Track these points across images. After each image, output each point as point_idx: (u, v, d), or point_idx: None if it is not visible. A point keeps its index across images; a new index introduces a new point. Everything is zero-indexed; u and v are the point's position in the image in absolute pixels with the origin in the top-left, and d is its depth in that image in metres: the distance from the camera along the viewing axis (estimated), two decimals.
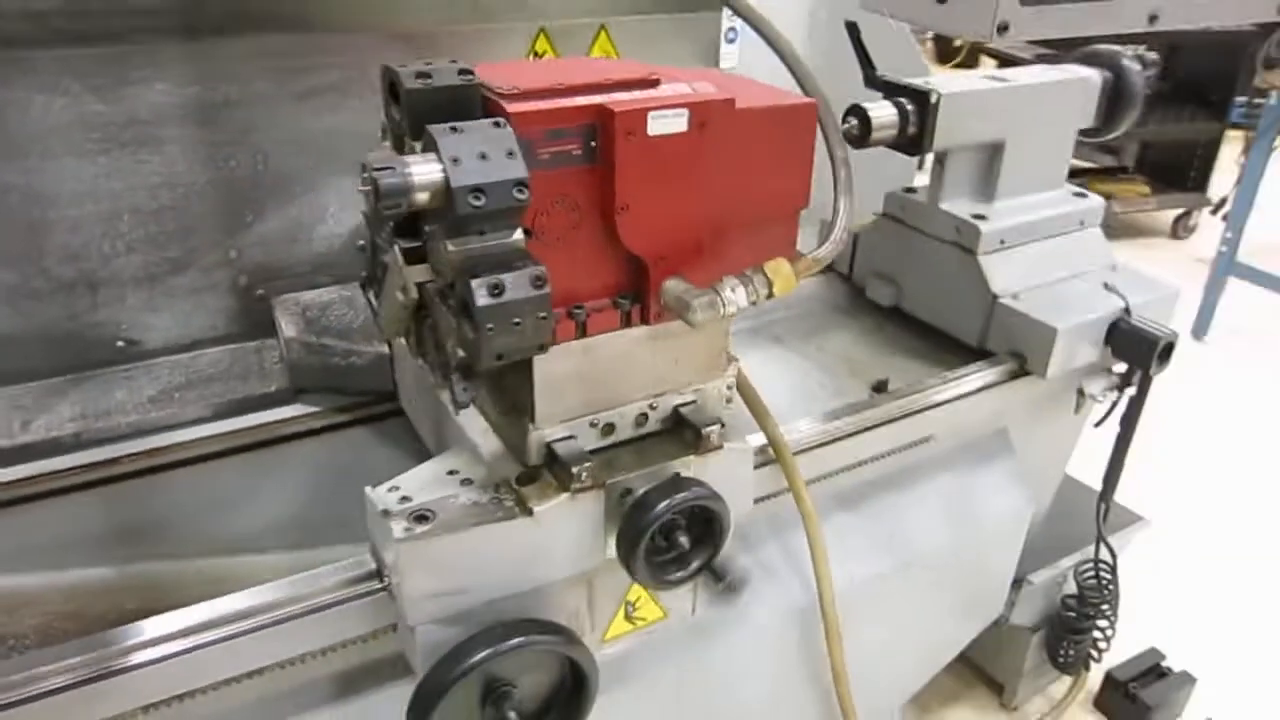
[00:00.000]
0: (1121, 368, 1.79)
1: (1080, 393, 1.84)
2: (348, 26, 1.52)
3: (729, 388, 1.22)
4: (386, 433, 1.55)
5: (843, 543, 1.51)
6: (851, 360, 1.78)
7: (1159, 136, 5.46)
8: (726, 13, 1.84)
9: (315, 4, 1.49)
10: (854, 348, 1.83)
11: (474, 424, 1.23)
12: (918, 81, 1.63)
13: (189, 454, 1.44)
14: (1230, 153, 5.43)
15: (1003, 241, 1.74)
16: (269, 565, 1.23)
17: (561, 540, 1.13)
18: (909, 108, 1.60)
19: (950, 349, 1.76)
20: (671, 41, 1.79)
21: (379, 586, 1.14)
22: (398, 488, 1.13)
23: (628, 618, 1.32)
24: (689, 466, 1.16)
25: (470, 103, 0.96)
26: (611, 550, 1.15)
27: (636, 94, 1.00)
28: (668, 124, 0.97)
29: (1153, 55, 1.88)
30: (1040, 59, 5.17)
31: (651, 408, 1.16)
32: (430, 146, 0.88)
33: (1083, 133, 1.85)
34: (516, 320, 0.90)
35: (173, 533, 1.35)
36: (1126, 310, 1.69)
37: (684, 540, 1.13)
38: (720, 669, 1.50)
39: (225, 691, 1.12)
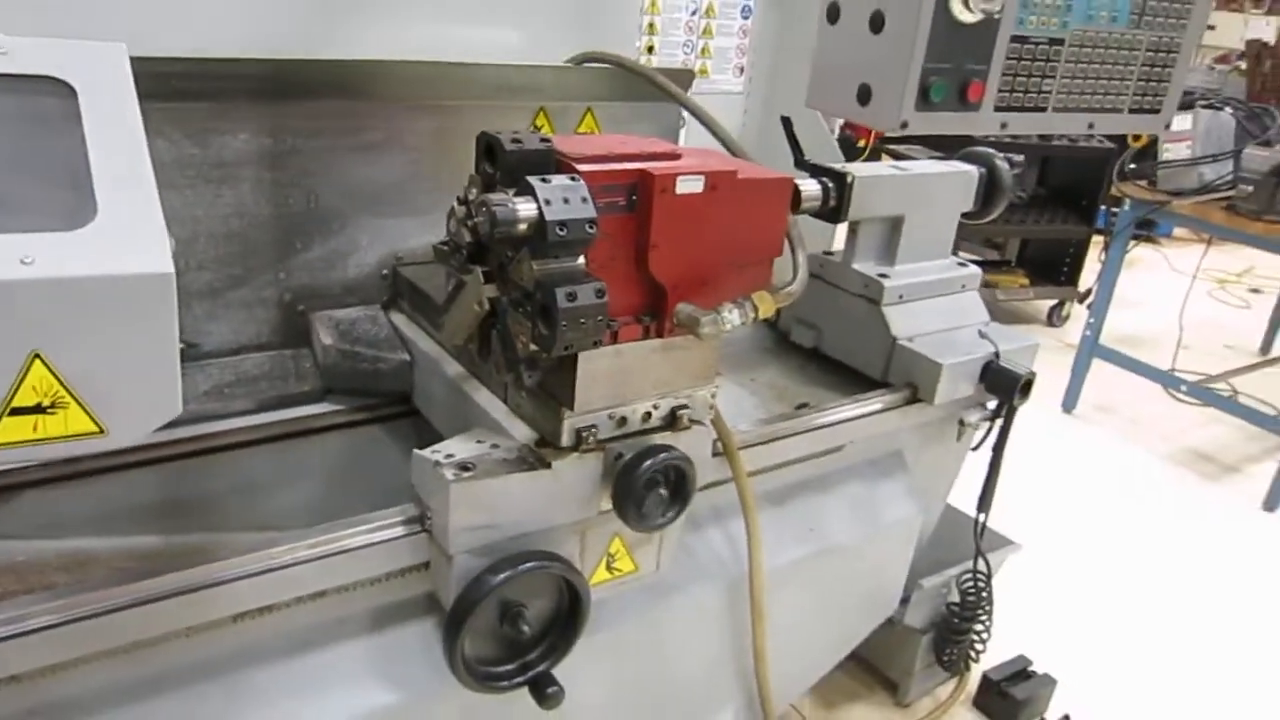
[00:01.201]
0: (992, 403, 2.17)
1: (961, 423, 2.21)
2: (390, 98, 1.83)
3: (713, 395, 1.55)
4: (399, 429, 1.84)
5: (768, 533, 1.82)
6: (778, 388, 2.12)
7: (1036, 235, 6.13)
8: None
9: (367, 78, 1.80)
10: (781, 379, 2.17)
11: (495, 409, 1.56)
12: (837, 165, 1.94)
13: (234, 440, 1.69)
14: (1098, 253, 6.14)
15: (901, 296, 2.08)
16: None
17: (569, 490, 1.44)
18: (830, 185, 1.85)
19: (859, 382, 2.10)
20: (642, 123, 2.15)
21: (419, 529, 1.42)
22: (439, 450, 1.42)
23: (608, 568, 1.61)
24: (665, 439, 1.49)
25: (548, 163, 1.28)
26: (605, 504, 1.46)
27: (666, 163, 1.34)
28: (690, 185, 1.32)
29: (1018, 158, 2.29)
30: (931, 159, 5.82)
31: (655, 407, 1.48)
32: (527, 191, 1.20)
33: (964, 215, 2.21)
34: (583, 320, 1.21)
35: (218, 507, 1.60)
36: (996, 354, 2.04)
37: (664, 492, 1.45)
38: (665, 631, 1.80)
39: (285, 614, 1.37)
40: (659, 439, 1.49)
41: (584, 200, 1.22)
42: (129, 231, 1.03)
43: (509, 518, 1.41)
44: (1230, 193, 4.14)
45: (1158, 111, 1.74)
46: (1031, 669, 2.73)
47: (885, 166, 2.11)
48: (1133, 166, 4.69)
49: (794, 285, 1.48)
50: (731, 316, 1.37)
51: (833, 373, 2.17)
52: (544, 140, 1.29)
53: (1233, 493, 4.31)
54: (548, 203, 1.19)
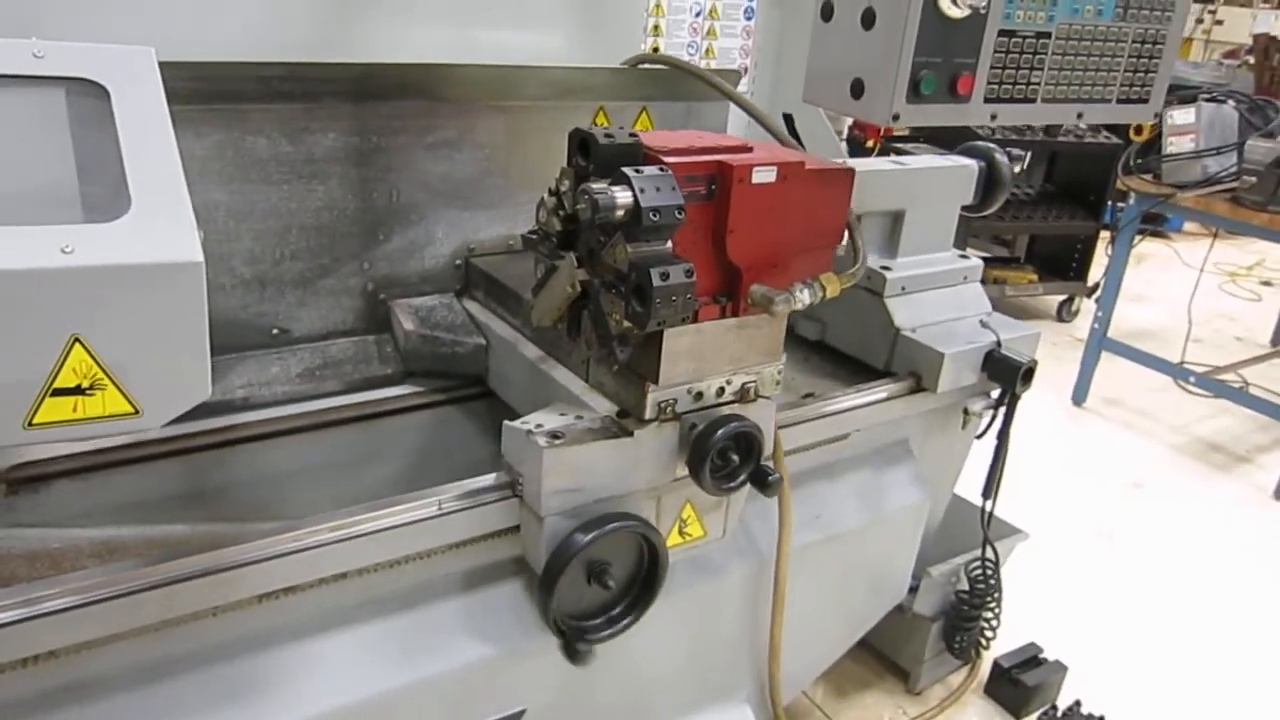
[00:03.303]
0: (995, 391, 2.22)
1: (965, 411, 2.26)
2: (463, 99, 1.96)
3: (779, 372, 1.67)
4: (475, 409, 1.98)
5: (773, 519, 1.89)
6: (786, 380, 2.09)
7: (1044, 231, 6.24)
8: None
9: (442, 82, 1.93)
10: (787, 371, 2.14)
11: (575, 385, 1.69)
12: (839, 161, 2.00)
13: (324, 420, 1.82)
14: (1106, 246, 6.27)
15: (904, 288, 2.13)
16: None
17: (649, 457, 1.56)
18: None
19: (863, 372, 2.16)
20: (693, 121, 2.28)
21: (510, 495, 1.54)
22: (528, 422, 1.55)
23: (680, 533, 1.74)
24: (735, 411, 1.61)
25: (637, 155, 1.41)
26: (681, 471, 1.59)
27: (742, 155, 1.47)
28: (764, 176, 1.44)
29: (1017, 152, 2.40)
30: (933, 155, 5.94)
31: (728, 383, 1.61)
32: (622, 181, 1.33)
33: (965, 208, 2.26)
34: (674, 298, 1.34)
35: (309, 483, 1.74)
36: (998, 343, 2.10)
37: (734, 457, 1.58)
38: (692, 607, 1.88)
39: (387, 574, 1.49)
40: (729, 410, 1.61)
41: (673, 189, 1.34)
42: (161, 223, 1.10)
43: (595, 482, 1.54)
44: (1234, 184, 4.26)
45: (1146, 101, 1.84)
46: (1042, 656, 2.80)
47: (885, 161, 2.18)
48: (1138, 161, 4.82)
49: (857, 267, 1.61)
50: (803, 296, 1.50)
51: (838, 364, 2.22)
52: (632, 135, 1.42)
53: (1243, 483, 4.42)
54: (642, 191, 1.31)
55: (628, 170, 1.33)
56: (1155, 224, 7.54)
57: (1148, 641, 3.19)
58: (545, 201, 1.52)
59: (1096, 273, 6.23)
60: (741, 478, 1.62)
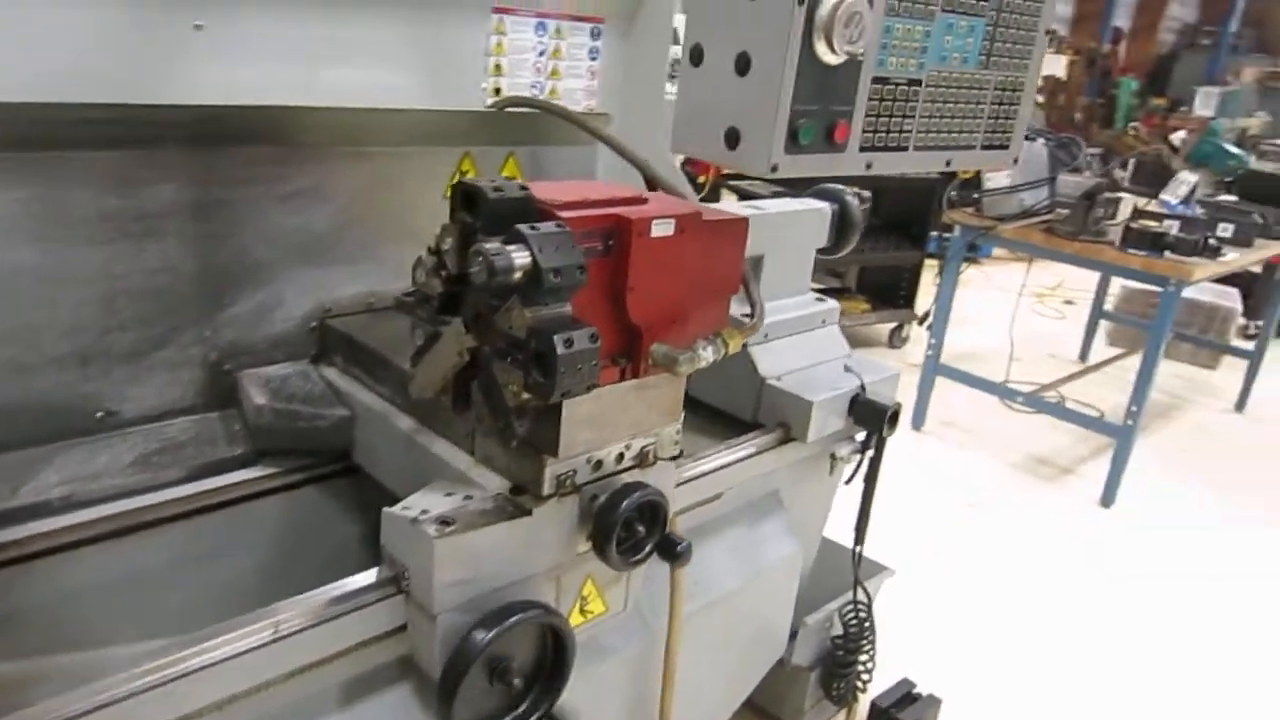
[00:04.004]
0: (861, 434, 2.20)
1: (832, 457, 2.24)
2: (320, 145, 1.79)
3: (677, 432, 1.59)
4: (339, 488, 1.78)
5: (650, 590, 1.78)
6: None
7: (873, 262, 6.53)
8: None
9: (296, 126, 1.75)
10: None
11: (458, 460, 1.54)
12: (732, 210, 2.01)
13: (164, 514, 1.58)
14: (931, 276, 6.60)
15: (766, 335, 2.07)
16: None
17: (549, 536, 1.44)
18: None
19: (731, 425, 2.08)
20: (561, 167, 2.19)
21: (395, 591, 1.38)
22: (410, 507, 1.40)
23: (581, 611, 1.62)
24: (634, 477, 1.51)
25: (529, 210, 1.29)
26: (582, 546, 1.47)
27: (638, 208, 1.38)
28: (662, 229, 1.36)
29: (866, 193, 2.38)
30: (775, 195, 6.09)
31: (627, 448, 1.50)
32: (518, 239, 1.21)
33: (819, 251, 2.26)
34: (579, 366, 1.23)
35: (153, 588, 1.50)
36: (862, 387, 2.07)
37: (640, 528, 1.47)
38: (600, 683, 1.75)
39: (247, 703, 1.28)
40: (629, 477, 1.51)
41: (573, 246, 1.24)
42: None
43: (492, 569, 1.40)
44: (1048, 216, 4.57)
45: (1006, 147, 1.88)
46: (916, 691, 2.79)
47: (742, 207, 2.16)
48: (958, 195, 5.10)
49: (757, 319, 1.55)
50: (706, 353, 1.42)
51: (703, 417, 2.12)
52: (523, 188, 1.30)
53: (1070, 493, 4.71)
54: (540, 250, 1.20)
55: (523, 228, 1.22)
56: (971, 251, 8.03)
57: (1009, 658, 3.30)
58: (424, 261, 1.38)
59: (922, 299, 6.56)
60: (648, 549, 1.52)
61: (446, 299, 1.37)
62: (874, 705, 2.74)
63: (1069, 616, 3.61)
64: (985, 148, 1.81)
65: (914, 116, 1.67)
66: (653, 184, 1.72)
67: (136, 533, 1.54)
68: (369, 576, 1.39)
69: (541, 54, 2.54)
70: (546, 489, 1.42)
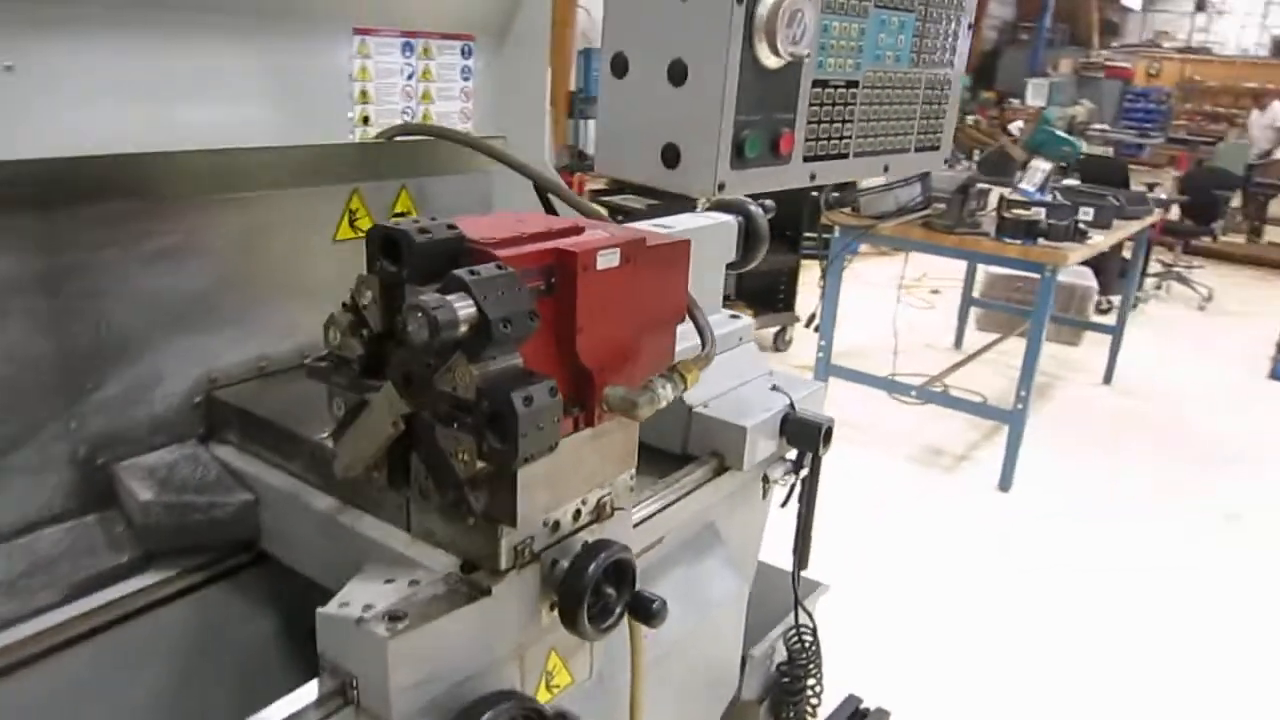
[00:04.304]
0: (793, 453, 2.05)
1: (765, 480, 2.09)
2: (187, 194, 1.56)
3: (631, 478, 1.44)
4: (247, 584, 1.56)
5: (607, 647, 1.60)
6: None
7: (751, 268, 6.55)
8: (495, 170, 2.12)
9: (157, 174, 1.52)
10: None
11: (394, 539, 1.35)
12: (670, 231, 1.96)
13: (40, 648, 1.33)
14: (807, 277, 6.67)
15: None
16: None
17: (511, 613, 1.28)
18: None
19: (661, 460, 1.91)
20: (457, 197, 2.02)
21: (341, 703, 1.19)
22: (348, 603, 1.21)
23: (548, 688, 1.45)
24: (594, 534, 1.37)
25: (460, 252, 1.13)
26: (545, 617, 1.31)
27: (577, 239, 1.23)
28: (608, 259, 1.22)
29: (769, 202, 2.32)
30: (651, 209, 6.01)
31: (584, 503, 1.35)
32: (457, 287, 1.04)
33: (728, 265, 2.16)
34: (541, 425, 1.07)
35: None
36: (792, 405, 1.95)
37: (609, 591, 1.33)
38: None
39: None
40: (587, 534, 1.36)
41: (520, 289, 1.08)
42: None
43: (453, 662, 1.23)
44: (925, 211, 4.66)
45: (937, 148, 1.81)
46: (864, 707, 2.70)
47: (649, 226, 1.98)
48: (835, 195, 5.16)
49: (709, 348, 1.42)
50: (665, 392, 1.29)
51: None
52: (450, 227, 1.14)
53: (971, 480, 4.81)
54: (485, 298, 1.04)
55: (462, 274, 1.05)
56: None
57: (943, 660, 3.29)
58: (337, 319, 1.20)
59: (801, 300, 6.63)
60: (618, 612, 1.37)
61: (369, 361, 1.19)
62: None
63: (992, 609, 3.65)
64: (918, 149, 1.74)
65: (853, 121, 1.57)
66: (582, 209, 1.58)
67: (7, 676, 1.29)
68: (309, 692, 1.19)
69: (410, 76, 2.36)
70: (504, 562, 1.25)
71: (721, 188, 1.36)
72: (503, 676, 1.32)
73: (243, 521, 1.53)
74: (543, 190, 1.67)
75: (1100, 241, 4.49)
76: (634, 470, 1.44)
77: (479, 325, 1.04)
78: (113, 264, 1.48)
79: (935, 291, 8.29)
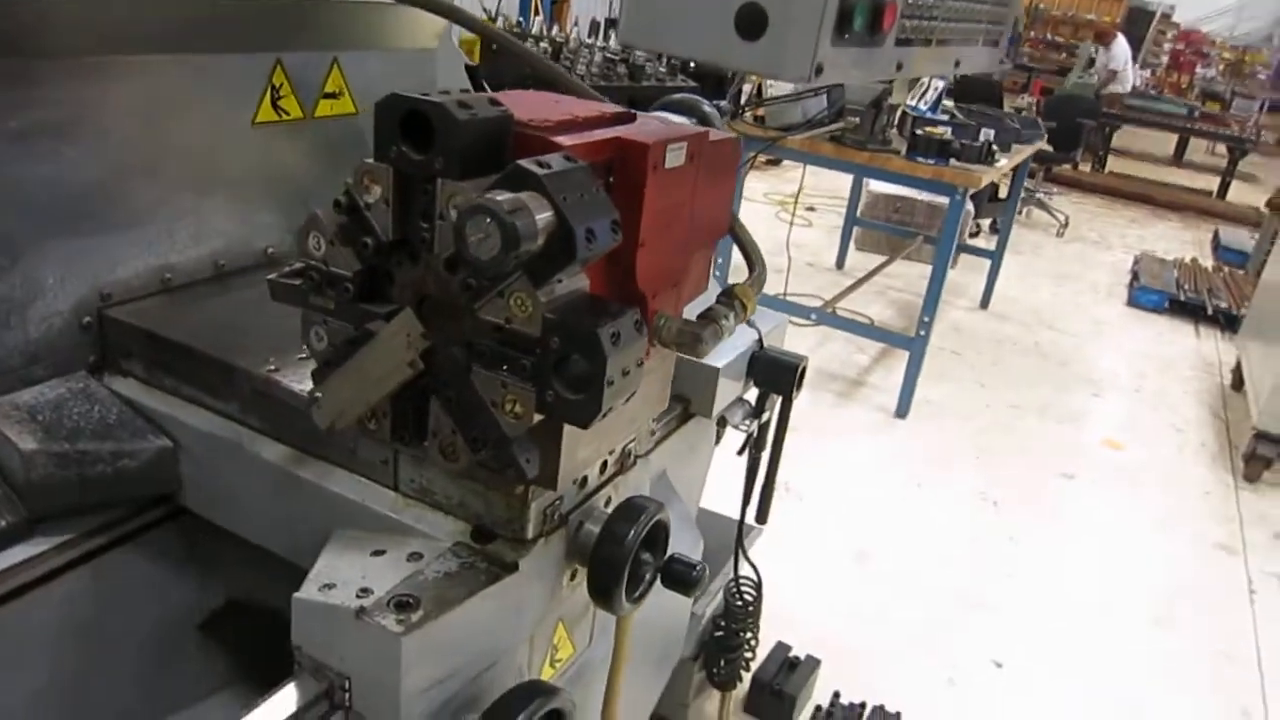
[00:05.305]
0: (753, 394, 1.78)
1: (720, 424, 1.82)
2: (70, 51, 1.18)
3: (654, 421, 1.22)
4: (159, 544, 1.25)
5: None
6: None
7: None
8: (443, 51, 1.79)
9: (24, 26, 1.13)
10: None
11: (376, 499, 1.08)
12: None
13: None
14: None
15: None
16: None
17: (535, 590, 1.06)
18: None
19: None
20: (402, 78, 1.68)
21: (328, 710, 0.94)
22: (336, 584, 0.95)
23: (552, 663, 1.24)
24: (618, 489, 1.16)
25: (506, 138, 0.85)
26: (564, 588, 1.10)
27: (635, 127, 0.97)
28: (676, 156, 0.97)
29: (725, 104, 2.07)
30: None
31: (611, 453, 1.12)
32: (527, 185, 0.77)
33: None
34: (626, 370, 0.83)
35: None
36: (760, 342, 1.68)
37: (646, 557, 1.11)
38: None
39: None
40: (610, 489, 1.14)
41: (598, 192, 0.82)
42: None
43: (472, 654, 0.98)
44: (837, 125, 4.50)
45: (997, 44, 1.57)
46: (794, 655, 2.62)
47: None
48: (739, 107, 4.93)
49: (759, 269, 1.19)
50: (729, 323, 1.06)
51: None
52: (494, 103, 0.85)
53: (867, 406, 4.77)
54: (564, 200, 0.77)
55: (528, 165, 0.78)
56: None
57: (853, 593, 3.23)
58: (320, 223, 0.90)
59: None
60: (647, 579, 1.15)
61: (371, 279, 0.90)
62: (755, 680, 2.52)
63: (898, 535, 3.63)
64: (985, 44, 1.52)
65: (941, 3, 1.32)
66: (579, 92, 1.30)
67: None
68: (287, 700, 0.93)
69: None
70: (533, 529, 1.01)
71: (819, 71, 1.09)
72: (514, 660, 1.09)
73: (158, 474, 1.21)
74: (536, 78, 1.36)
75: (1006, 165, 4.47)
76: (660, 411, 1.22)
77: (558, 236, 0.77)
78: None
79: (811, 209, 8.25)
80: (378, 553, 1.02)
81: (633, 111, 1.02)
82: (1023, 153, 4.87)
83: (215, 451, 1.19)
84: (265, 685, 0.93)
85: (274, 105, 1.48)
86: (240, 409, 1.19)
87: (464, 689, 0.99)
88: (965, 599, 3.26)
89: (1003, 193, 7.11)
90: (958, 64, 1.48)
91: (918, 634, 3.06)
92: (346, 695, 0.94)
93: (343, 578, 0.96)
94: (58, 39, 1.16)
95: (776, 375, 1.70)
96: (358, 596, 0.93)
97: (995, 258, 6.19)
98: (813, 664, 2.63)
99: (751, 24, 1.09)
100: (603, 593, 1.06)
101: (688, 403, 1.59)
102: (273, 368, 1.16)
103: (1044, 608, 3.30)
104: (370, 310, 0.90)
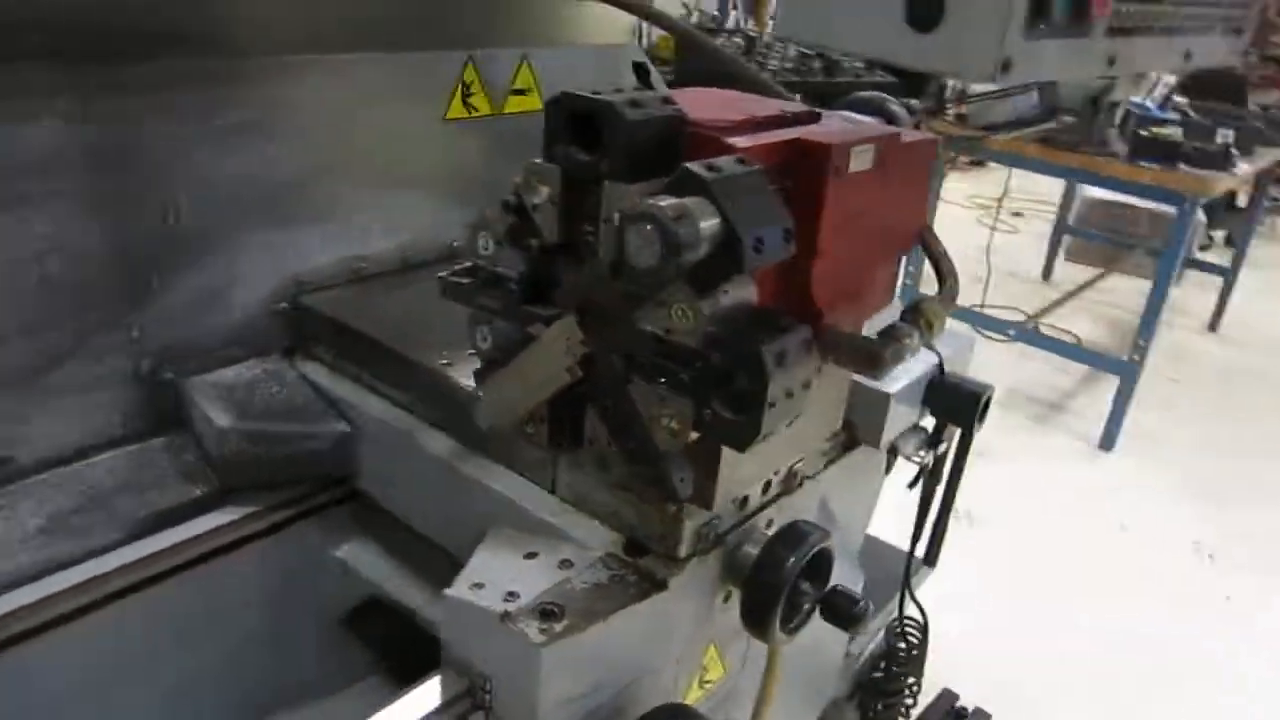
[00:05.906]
0: (930, 421, 1.56)
1: (892, 454, 1.59)
2: (270, 53, 1.24)
3: (826, 441, 1.15)
4: (340, 521, 1.30)
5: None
6: None
7: None
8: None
9: (232, 24, 1.20)
10: None
11: (534, 501, 1.07)
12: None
13: (91, 597, 1.08)
14: None
15: None
16: None
17: (686, 610, 1.01)
18: None
19: None
20: (587, 75, 1.68)
21: (470, 708, 0.94)
22: (481, 583, 0.94)
23: (701, 685, 1.20)
24: (780, 510, 1.09)
25: (678, 139, 0.81)
26: (718, 610, 1.04)
27: (818, 128, 0.91)
28: (862, 159, 0.89)
29: (915, 103, 1.90)
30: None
31: (775, 473, 1.06)
32: (693, 190, 0.73)
33: None
34: (791, 392, 0.77)
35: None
36: (940, 367, 1.49)
37: (806, 586, 1.04)
38: None
39: None
40: (773, 511, 1.08)
41: (771, 198, 0.77)
42: None
43: (615, 671, 0.96)
44: (1049, 125, 4.20)
45: (1241, 32, 1.40)
46: (961, 706, 2.35)
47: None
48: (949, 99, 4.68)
49: (950, 284, 1.10)
50: (913, 342, 0.97)
51: None
52: (667, 102, 0.81)
53: (1067, 435, 4.39)
54: (734, 206, 0.72)
55: (697, 169, 0.73)
56: None
57: (1035, 643, 2.97)
58: (490, 222, 0.89)
59: None
60: (806, 609, 1.08)
61: (536, 281, 0.88)
62: None
63: (1098, 591, 3.31)
64: (1224, 33, 1.34)
65: None
66: (775, 94, 1.23)
67: (57, 628, 1.04)
68: (430, 694, 0.93)
69: None
70: (685, 548, 0.97)
71: (1006, 68, 0.99)
72: (660, 678, 1.05)
73: (338, 456, 1.26)
74: (726, 74, 1.30)
75: (1247, 171, 4.01)
76: (838, 429, 1.14)
77: (724, 244, 0.72)
78: (178, 139, 1.17)
79: (1017, 214, 7.77)
80: (530, 555, 1.00)
81: (817, 111, 0.96)
82: (1268, 157, 4.35)
83: (389, 439, 1.22)
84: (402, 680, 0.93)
85: (464, 102, 1.51)
86: (414, 400, 1.21)
87: (607, 701, 0.97)
88: (1164, 665, 2.94)
89: (1242, 201, 6.43)
90: (1188, 56, 1.30)
91: (1101, 694, 2.80)
92: (488, 696, 0.93)
93: (493, 578, 0.96)
94: (262, 39, 1.22)
95: (957, 405, 1.49)
96: (504, 600, 0.92)
97: (1229, 274, 5.59)
98: (982, 717, 2.44)
99: (926, 13, 0.99)
100: (756, 621, 1.01)
101: (853, 429, 1.40)
102: (445, 362, 1.18)
103: (1257, 685, 2.93)
104: (533, 313, 0.88)
